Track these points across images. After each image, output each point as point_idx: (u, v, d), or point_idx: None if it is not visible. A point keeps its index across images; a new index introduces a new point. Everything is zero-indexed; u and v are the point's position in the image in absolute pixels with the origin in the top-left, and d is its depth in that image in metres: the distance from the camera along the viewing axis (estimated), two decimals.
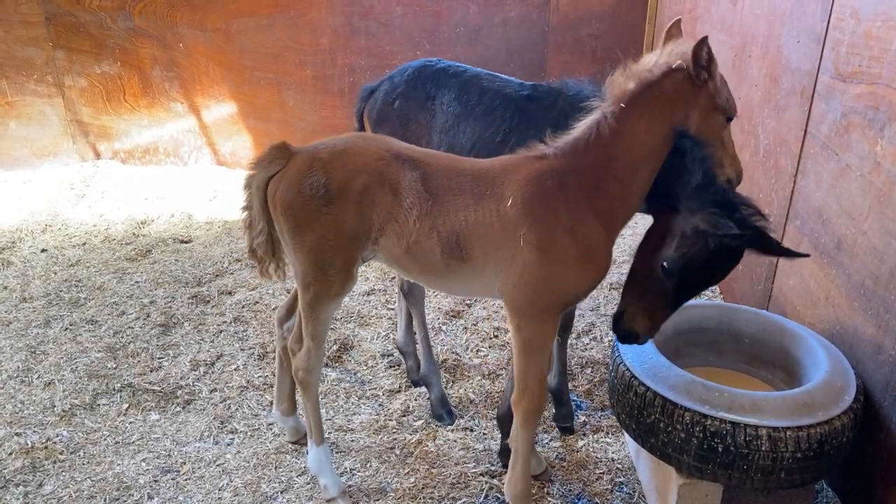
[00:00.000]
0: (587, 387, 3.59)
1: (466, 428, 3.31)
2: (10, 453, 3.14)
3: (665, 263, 2.26)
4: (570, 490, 2.94)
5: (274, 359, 3.84)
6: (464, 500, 2.87)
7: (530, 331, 2.40)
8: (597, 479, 2.99)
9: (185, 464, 3.10)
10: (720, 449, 2.30)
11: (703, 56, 2.20)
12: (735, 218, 2.11)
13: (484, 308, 4.34)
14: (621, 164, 2.28)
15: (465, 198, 2.35)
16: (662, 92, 2.25)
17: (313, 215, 2.39)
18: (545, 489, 2.94)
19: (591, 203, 2.29)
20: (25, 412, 3.42)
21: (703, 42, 2.18)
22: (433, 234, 2.36)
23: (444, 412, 3.39)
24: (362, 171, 2.38)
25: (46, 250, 5.25)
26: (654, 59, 2.29)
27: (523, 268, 2.32)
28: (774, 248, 2.24)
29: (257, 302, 4.43)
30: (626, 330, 2.41)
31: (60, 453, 3.15)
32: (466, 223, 2.34)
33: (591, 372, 3.71)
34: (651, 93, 2.25)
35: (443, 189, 2.36)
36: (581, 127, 2.35)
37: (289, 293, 4.44)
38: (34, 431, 3.28)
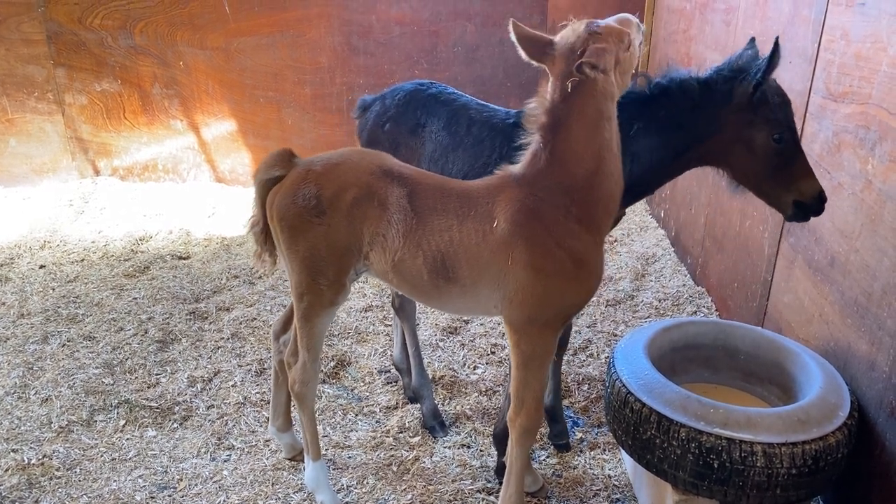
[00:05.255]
0: (584, 403, 3.60)
1: (463, 445, 3.32)
2: (7, 470, 3.13)
3: (775, 137, 2.44)
4: None
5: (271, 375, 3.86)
6: None
7: (529, 346, 2.41)
8: (593, 496, 2.99)
9: (181, 480, 3.10)
10: (716, 465, 2.32)
11: (594, 69, 2.16)
12: (742, 66, 2.46)
13: (481, 325, 4.35)
14: (580, 178, 2.29)
15: (448, 218, 2.37)
16: (572, 111, 2.24)
17: (306, 225, 2.46)
18: None
19: (573, 215, 2.31)
20: (22, 428, 3.42)
21: (583, 64, 2.14)
22: (419, 254, 2.39)
23: (435, 424, 3.39)
24: (353, 184, 2.43)
25: (45, 266, 5.26)
26: (552, 85, 2.28)
27: (517, 287, 2.33)
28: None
29: (255, 318, 4.44)
30: (812, 203, 2.53)
31: (57, 470, 3.15)
32: (451, 243, 2.36)
33: (588, 389, 3.71)
34: (564, 116, 2.25)
35: (428, 208, 2.39)
36: (526, 157, 2.37)
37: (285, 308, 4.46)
38: (31, 448, 3.28)
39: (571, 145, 2.27)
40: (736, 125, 2.49)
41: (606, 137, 2.28)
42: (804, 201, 2.54)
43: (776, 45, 2.35)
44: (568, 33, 2.25)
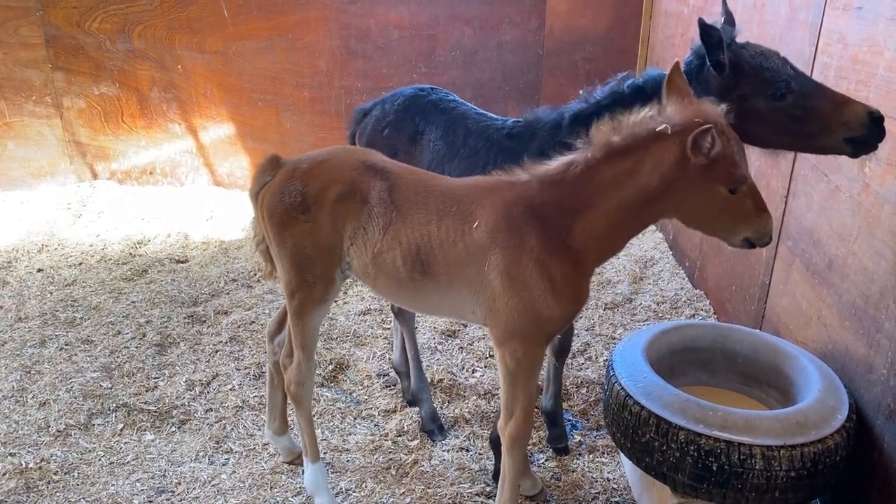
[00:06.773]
0: (582, 406, 3.60)
1: (462, 448, 3.32)
2: (4, 474, 3.12)
3: (776, 96, 2.38)
4: None
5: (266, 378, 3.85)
6: None
7: (514, 360, 2.40)
8: (592, 499, 2.99)
9: (179, 484, 3.09)
10: (714, 468, 2.32)
11: (705, 146, 1.98)
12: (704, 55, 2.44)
13: (479, 328, 4.35)
14: (594, 209, 2.23)
15: (428, 212, 2.38)
16: (645, 153, 2.13)
17: (292, 222, 2.50)
18: None
19: (563, 235, 2.27)
20: (20, 432, 3.41)
21: (708, 132, 1.96)
22: (396, 246, 2.41)
23: (434, 427, 3.39)
24: (337, 180, 2.47)
25: (43, 270, 5.25)
26: (647, 115, 2.16)
27: (493, 294, 2.33)
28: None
29: (253, 322, 4.44)
30: (865, 132, 2.28)
31: (55, 474, 3.14)
32: (429, 237, 2.37)
33: (587, 392, 3.72)
34: (633, 151, 2.15)
35: (408, 202, 2.41)
36: (556, 163, 2.31)
37: None
38: (28, 452, 3.27)
39: (614, 175, 2.17)
40: (730, 104, 2.27)
41: (638, 197, 2.17)
42: (855, 136, 2.27)
43: (700, 26, 2.33)
44: (709, 105, 2.12)
